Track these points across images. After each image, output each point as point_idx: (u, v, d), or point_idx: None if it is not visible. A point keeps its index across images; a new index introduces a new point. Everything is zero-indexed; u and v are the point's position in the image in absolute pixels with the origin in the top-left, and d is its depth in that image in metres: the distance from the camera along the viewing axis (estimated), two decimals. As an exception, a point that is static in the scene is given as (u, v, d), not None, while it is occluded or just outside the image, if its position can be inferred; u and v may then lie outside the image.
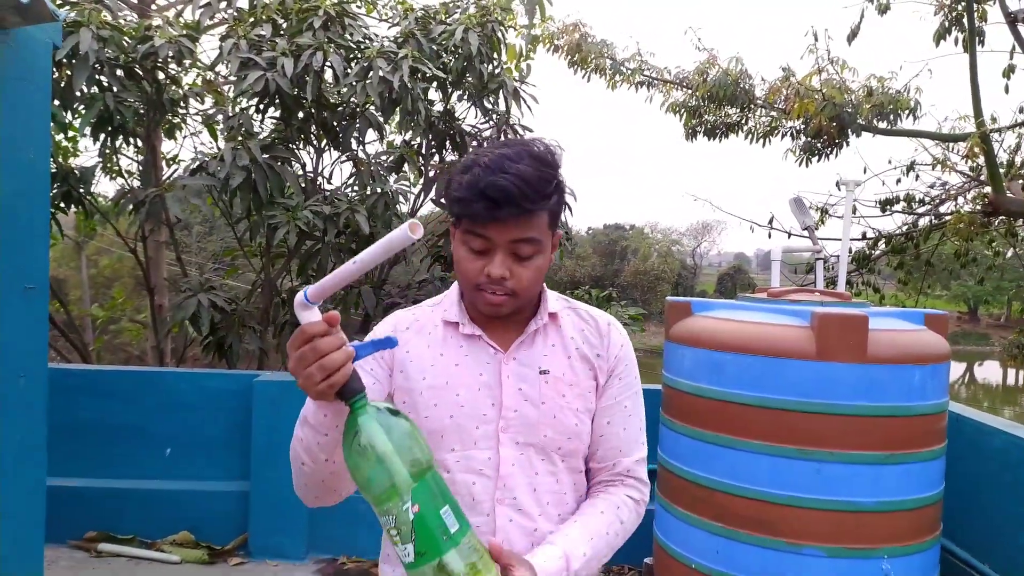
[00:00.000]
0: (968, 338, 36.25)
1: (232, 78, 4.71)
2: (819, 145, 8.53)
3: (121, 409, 3.89)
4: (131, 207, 4.66)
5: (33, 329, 2.45)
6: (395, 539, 1.01)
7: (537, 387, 1.31)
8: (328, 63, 4.49)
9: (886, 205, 8.88)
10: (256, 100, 4.70)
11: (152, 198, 4.60)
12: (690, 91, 8.99)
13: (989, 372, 32.22)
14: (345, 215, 4.49)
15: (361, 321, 5.14)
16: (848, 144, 8.41)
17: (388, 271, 5.51)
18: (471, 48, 4.87)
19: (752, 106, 8.86)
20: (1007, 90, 7.99)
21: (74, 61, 4.20)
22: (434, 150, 5.46)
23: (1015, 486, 2.75)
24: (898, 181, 8.78)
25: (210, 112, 5.24)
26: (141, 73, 4.69)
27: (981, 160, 7.50)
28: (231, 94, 5.13)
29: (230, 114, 4.78)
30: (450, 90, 5.31)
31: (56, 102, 4.44)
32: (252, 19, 4.84)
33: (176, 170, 5.86)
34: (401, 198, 5.04)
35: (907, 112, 8.19)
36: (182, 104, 5.12)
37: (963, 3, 7.38)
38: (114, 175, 5.48)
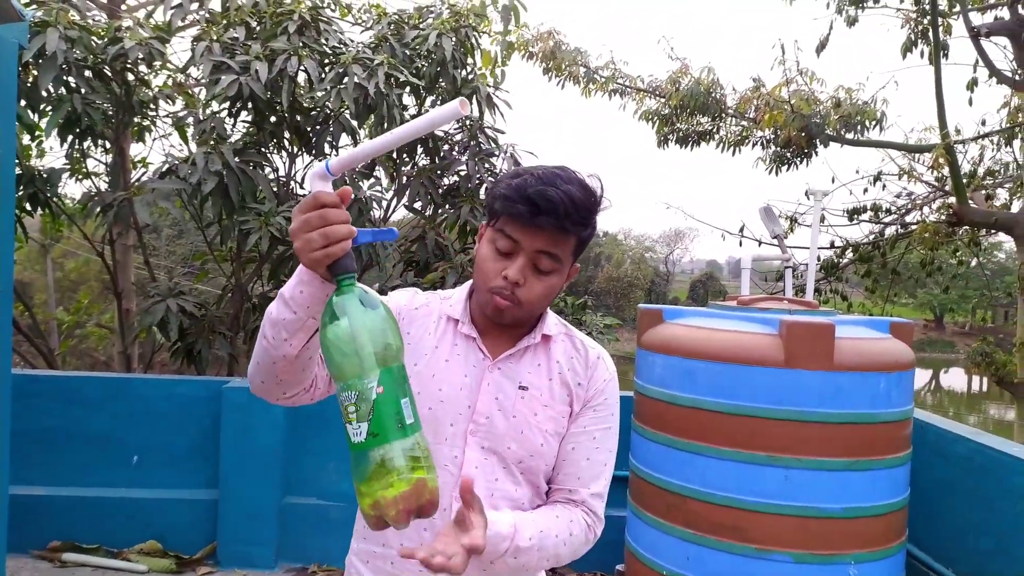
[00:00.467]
0: (934, 346, 36.88)
1: (204, 81, 4.66)
2: (788, 155, 8.66)
3: (87, 415, 3.81)
4: (99, 210, 4.59)
5: (-4, 334, 2.41)
6: (351, 416, 1.02)
7: (513, 400, 1.35)
8: (302, 68, 4.47)
9: (854, 214, 9.04)
10: (228, 103, 4.66)
11: (120, 201, 4.54)
12: (663, 100, 9.08)
13: (954, 379, 32.81)
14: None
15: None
16: (816, 154, 8.56)
17: (360, 276, 5.47)
18: (444, 53, 4.88)
19: (723, 115, 8.98)
20: (971, 102, 8.19)
21: (41, 61, 4.13)
22: (407, 155, 5.45)
23: (978, 492, 2.80)
24: (865, 191, 8.95)
25: (180, 114, 5.19)
26: (110, 74, 4.63)
27: (946, 171, 7.66)
28: (202, 96, 5.08)
29: (201, 117, 4.74)
30: (424, 95, 5.30)
31: (22, 103, 4.37)
32: (225, 21, 4.80)
33: (145, 172, 5.79)
34: (374, 204, 5.02)
35: (874, 123, 8.35)
36: (152, 106, 5.06)
37: (929, 17, 7.55)
38: (81, 177, 5.40)
